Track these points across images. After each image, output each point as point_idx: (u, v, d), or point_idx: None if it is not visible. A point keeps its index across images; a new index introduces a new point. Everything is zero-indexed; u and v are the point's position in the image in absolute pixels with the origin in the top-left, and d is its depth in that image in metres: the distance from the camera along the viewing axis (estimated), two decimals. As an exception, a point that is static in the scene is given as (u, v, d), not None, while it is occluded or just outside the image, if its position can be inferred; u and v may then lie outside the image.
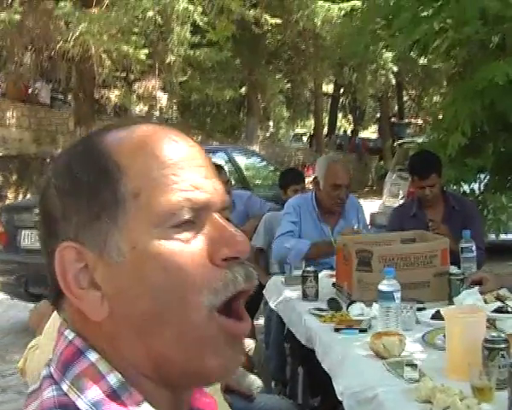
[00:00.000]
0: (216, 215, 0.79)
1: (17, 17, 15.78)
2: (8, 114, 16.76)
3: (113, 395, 0.74)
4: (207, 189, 0.78)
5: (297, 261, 3.96)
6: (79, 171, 0.77)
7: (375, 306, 2.97)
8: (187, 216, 0.76)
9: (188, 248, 0.75)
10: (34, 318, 2.84)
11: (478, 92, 4.64)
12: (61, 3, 15.49)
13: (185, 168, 0.77)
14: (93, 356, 0.76)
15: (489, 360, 2.07)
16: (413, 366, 2.27)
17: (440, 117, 5.83)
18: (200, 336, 0.76)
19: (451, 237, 3.63)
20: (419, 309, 2.96)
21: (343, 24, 8.49)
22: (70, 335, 0.78)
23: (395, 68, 22.17)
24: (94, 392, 0.74)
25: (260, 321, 5.47)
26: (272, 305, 3.78)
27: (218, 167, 6.54)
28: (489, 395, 1.98)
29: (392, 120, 32.04)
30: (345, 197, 4.33)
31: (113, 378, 0.75)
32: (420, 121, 28.53)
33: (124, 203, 0.75)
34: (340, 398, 2.34)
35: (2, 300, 7.70)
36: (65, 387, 0.75)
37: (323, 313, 3.14)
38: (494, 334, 2.16)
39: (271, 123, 27.93)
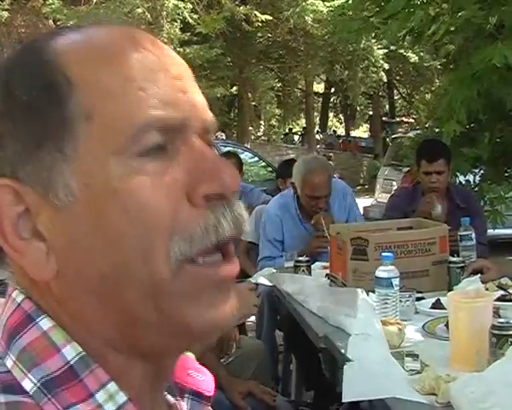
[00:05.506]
0: (195, 140, 0.62)
1: (5, 14, 15.66)
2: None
3: (70, 372, 0.58)
4: (183, 106, 0.61)
5: None
6: (18, 86, 0.60)
7: (372, 296, 2.82)
8: (156, 140, 0.59)
9: (157, 182, 0.58)
10: None
11: (474, 77, 4.48)
12: (50, 0, 15.38)
13: (155, 81, 0.60)
14: (46, 324, 0.60)
15: (497, 348, 1.91)
16: (414, 356, 2.12)
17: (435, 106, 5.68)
18: (172, 290, 0.59)
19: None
20: (417, 299, 2.82)
21: (333, 16, 8.32)
22: (18, 297, 0.62)
23: (386, 66, 22.06)
24: (44, 369, 0.58)
25: (251, 318, 5.31)
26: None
27: (231, 155, 6.32)
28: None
29: (384, 118, 31.89)
30: (324, 206, 4.02)
31: (71, 351, 0.59)
32: (411, 120, 28.45)
33: (73, 126, 0.58)
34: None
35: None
36: (9, 363, 0.59)
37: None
38: (502, 320, 2.01)
39: (263, 122, 27.80)
